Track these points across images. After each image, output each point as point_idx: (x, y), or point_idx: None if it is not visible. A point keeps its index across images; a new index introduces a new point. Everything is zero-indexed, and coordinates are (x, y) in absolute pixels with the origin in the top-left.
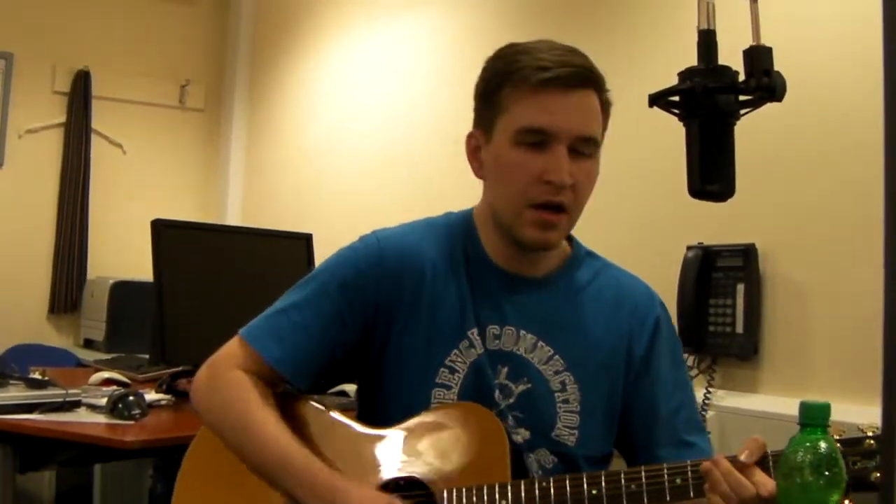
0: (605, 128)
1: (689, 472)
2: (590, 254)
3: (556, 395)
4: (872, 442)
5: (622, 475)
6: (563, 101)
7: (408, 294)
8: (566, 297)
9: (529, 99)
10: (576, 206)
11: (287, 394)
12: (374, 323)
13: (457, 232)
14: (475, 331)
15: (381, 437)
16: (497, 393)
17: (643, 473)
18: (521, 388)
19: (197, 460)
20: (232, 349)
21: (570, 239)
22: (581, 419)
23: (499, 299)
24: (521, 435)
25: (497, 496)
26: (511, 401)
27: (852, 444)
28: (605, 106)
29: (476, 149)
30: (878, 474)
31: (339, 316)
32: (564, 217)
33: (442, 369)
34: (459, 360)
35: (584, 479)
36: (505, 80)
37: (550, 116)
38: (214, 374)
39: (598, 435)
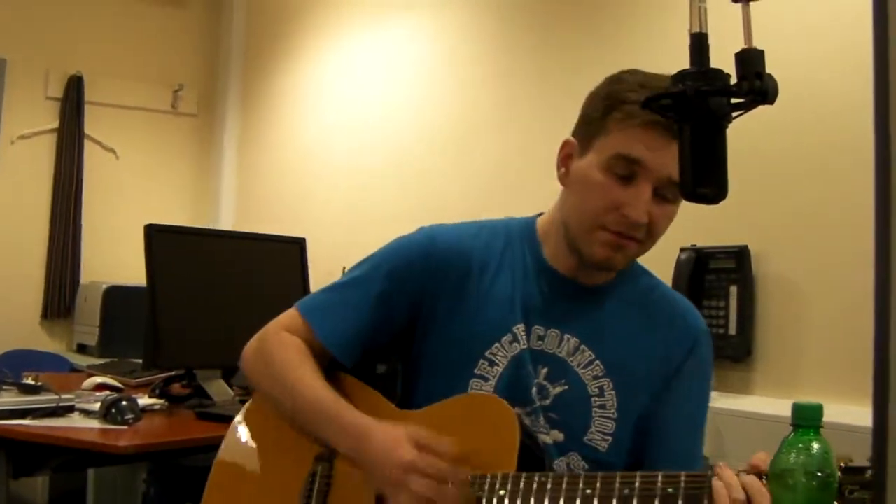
0: None
1: (682, 482)
2: (645, 271)
3: (593, 399)
4: None
5: (617, 478)
6: (665, 144)
7: (452, 288)
8: (616, 306)
9: (635, 132)
10: (649, 240)
11: (328, 369)
12: (418, 311)
13: (515, 234)
14: (521, 326)
15: (402, 418)
16: (534, 391)
17: (637, 479)
18: (558, 389)
19: (226, 462)
20: (287, 319)
21: None
22: (616, 426)
23: (549, 301)
24: (553, 437)
25: (497, 485)
26: (547, 402)
27: (853, 473)
28: None
29: (568, 156)
30: None
31: (387, 298)
32: (635, 245)
33: (482, 361)
34: (500, 353)
35: (581, 479)
36: (616, 106)
37: (648, 152)
38: (266, 335)
39: (630, 445)
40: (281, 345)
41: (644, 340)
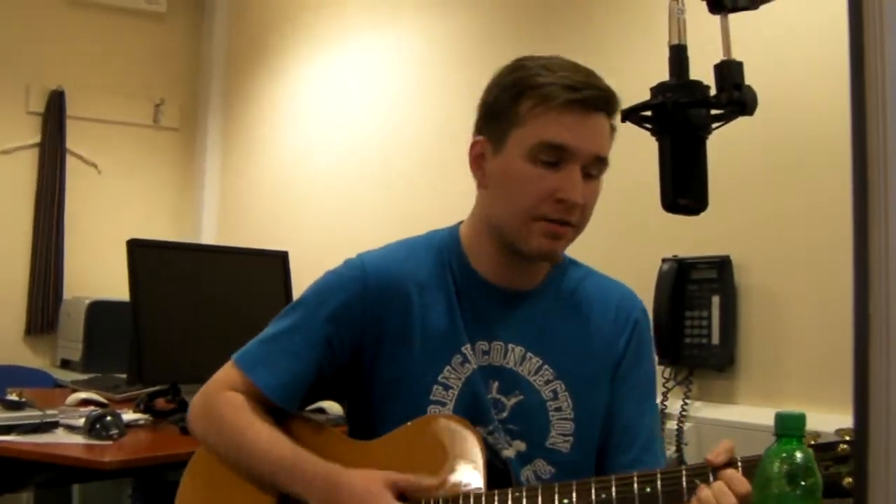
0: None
1: (659, 480)
2: (573, 262)
3: (549, 403)
4: (846, 447)
5: (593, 484)
6: (584, 121)
7: (395, 318)
8: (552, 306)
9: (553, 116)
10: (582, 223)
11: (277, 410)
12: (361, 346)
13: (443, 249)
14: (468, 346)
15: (364, 450)
16: (490, 407)
17: (613, 482)
18: (514, 400)
19: (197, 469)
20: (226, 374)
21: None
22: (576, 426)
23: (486, 314)
24: (516, 448)
25: None
26: (504, 415)
27: (825, 449)
28: (612, 130)
29: (480, 157)
30: (851, 479)
31: (328, 342)
32: (571, 230)
33: (436, 386)
34: (453, 376)
35: (556, 489)
36: (525, 93)
37: (571, 134)
38: (208, 399)
39: (595, 440)
40: (227, 406)
41: (585, 336)
